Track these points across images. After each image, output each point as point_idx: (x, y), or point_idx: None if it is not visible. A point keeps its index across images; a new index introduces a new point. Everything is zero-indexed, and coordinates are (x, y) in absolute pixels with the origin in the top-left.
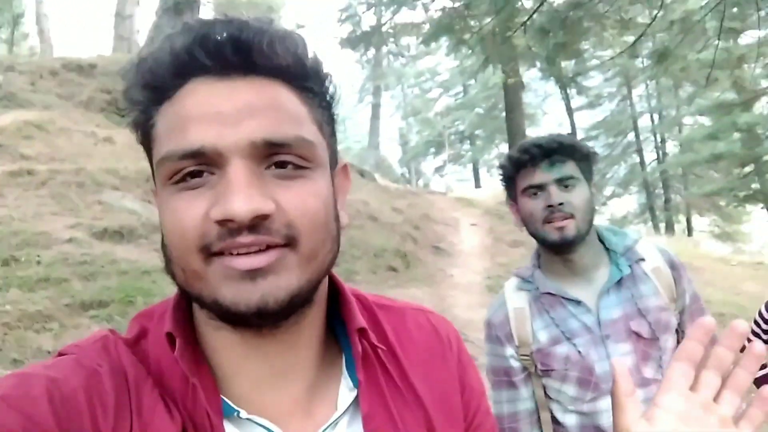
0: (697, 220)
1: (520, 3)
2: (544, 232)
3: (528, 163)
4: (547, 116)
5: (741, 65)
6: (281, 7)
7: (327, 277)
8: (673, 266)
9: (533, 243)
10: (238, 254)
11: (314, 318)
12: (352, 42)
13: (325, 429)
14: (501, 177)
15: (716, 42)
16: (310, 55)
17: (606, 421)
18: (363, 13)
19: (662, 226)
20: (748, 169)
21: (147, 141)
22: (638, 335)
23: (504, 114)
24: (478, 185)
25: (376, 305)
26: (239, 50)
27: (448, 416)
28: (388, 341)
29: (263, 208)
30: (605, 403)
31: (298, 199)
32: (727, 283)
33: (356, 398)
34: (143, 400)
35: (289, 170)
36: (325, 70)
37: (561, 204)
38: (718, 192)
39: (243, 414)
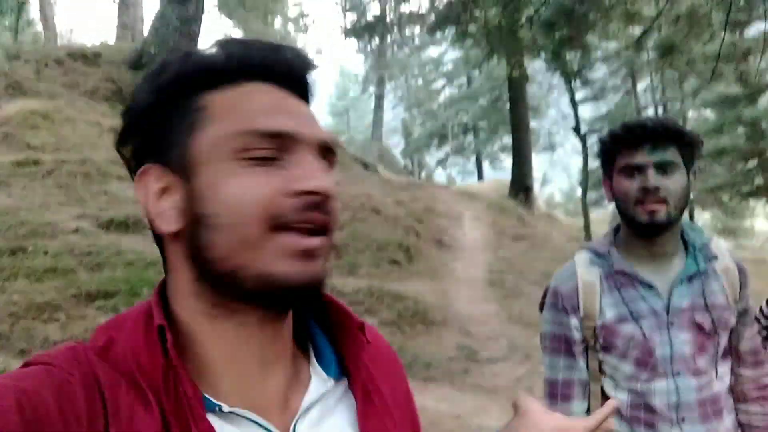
0: (699, 214)
1: None
2: (634, 212)
3: (631, 142)
4: (551, 109)
5: (746, 58)
6: None
7: None
8: (741, 270)
9: (536, 237)
10: (301, 230)
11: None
12: (357, 32)
13: (297, 418)
14: (600, 152)
15: (722, 35)
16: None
17: (658, 401)
18: (368, 2)
19: None
20: (752, 163)
21: (186, 117)
22: (700, 327)
23: (508, 106)
24: (480, 177)
25: None
26: (301, 71)
27: (411, 424)
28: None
29: (334, 191)
30: (660, 384)
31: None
32: None
33: (330, 389)
34: (119, 403)
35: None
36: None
37: (656, 188)
38: (721, 187)
39: (225, 408)
